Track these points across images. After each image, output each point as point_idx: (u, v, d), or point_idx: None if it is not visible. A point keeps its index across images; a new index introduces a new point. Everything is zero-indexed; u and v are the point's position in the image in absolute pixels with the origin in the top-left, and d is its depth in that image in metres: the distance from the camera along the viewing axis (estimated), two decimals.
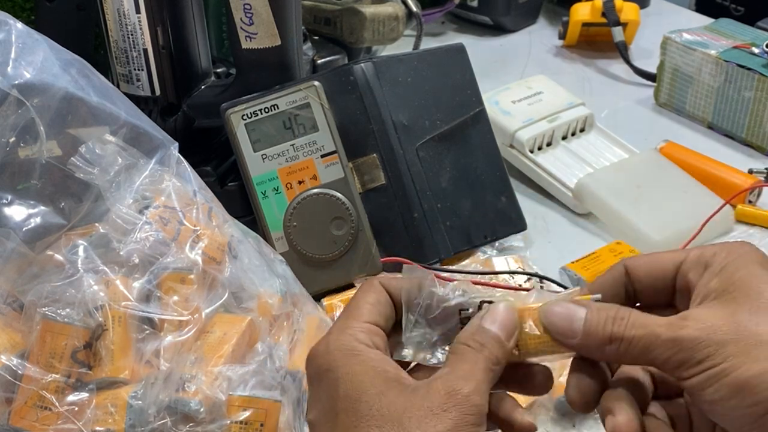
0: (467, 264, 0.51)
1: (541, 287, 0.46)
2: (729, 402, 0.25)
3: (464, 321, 0.28)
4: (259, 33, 0.47)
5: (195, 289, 0.36)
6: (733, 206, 0.57)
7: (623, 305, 0.28)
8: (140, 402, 0.33)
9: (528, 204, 0.58)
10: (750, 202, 0.58)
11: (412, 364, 0.29)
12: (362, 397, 0.26)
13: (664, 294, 0.29)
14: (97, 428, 0.33)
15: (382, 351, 0.28)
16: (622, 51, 0.75)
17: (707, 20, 0.77)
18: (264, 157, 0.48)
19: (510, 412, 0.28)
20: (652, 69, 0.72)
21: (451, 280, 0.30)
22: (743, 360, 0.25)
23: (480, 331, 0.27)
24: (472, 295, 0.27)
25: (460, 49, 0.54)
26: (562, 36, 0.79)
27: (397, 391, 0.26)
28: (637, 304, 0.29)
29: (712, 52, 0.65)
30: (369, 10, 0.63)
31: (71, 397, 0.34)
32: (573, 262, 0.51)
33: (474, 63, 0.54)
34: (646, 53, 0.77)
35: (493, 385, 0.27)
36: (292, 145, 0.48)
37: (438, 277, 0.35)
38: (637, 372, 0.29)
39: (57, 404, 0.33)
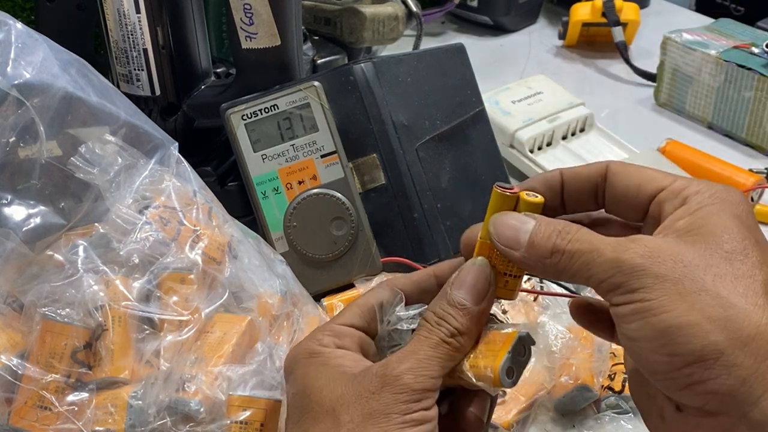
0: None
1: (541, 287, 0.46)
2: (648, 344, 0.23)
3: None
4: (259, 33, 0.47)
5: (195, 289, 0.36)
6: None
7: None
8: (140, 402, 0.33)
9: None
10: (752, 200, 0.58)
11: None
12: (306, 391, 0.27)
13: (635, 211, 0.27)
14: (97, 428, 0.33)
15: (351, 350, 0.28)
16: (622, 51, 0.75)
17: (707, 20, 0.77)
18: (264, 157, 0.48)
19: (464, 406, 0.28)
20: (652, 69, 0.72)
21: None
22: (677, 304, 0.22)
23: (442, 302, 0.27)
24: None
25: (460, 49, 0.54)
26: (562, 36, 0.79)
27: (339, 382, 0.27)
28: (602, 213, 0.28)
29: (712, 52, 0.65)
30: (369, 10, 0.63)
31: (71, 397, 0.34)
32: None
33: (474, 63, 0.54)
34: (646, 53, 0.77)
35: (461, 353, 0.27)
36: (292, 145, 0.48)
37: None
38: None
39: (57, 404, 0.33)
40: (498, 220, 0.27)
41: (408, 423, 0.25)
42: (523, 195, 0.27)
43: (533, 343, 0.27)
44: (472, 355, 0.27)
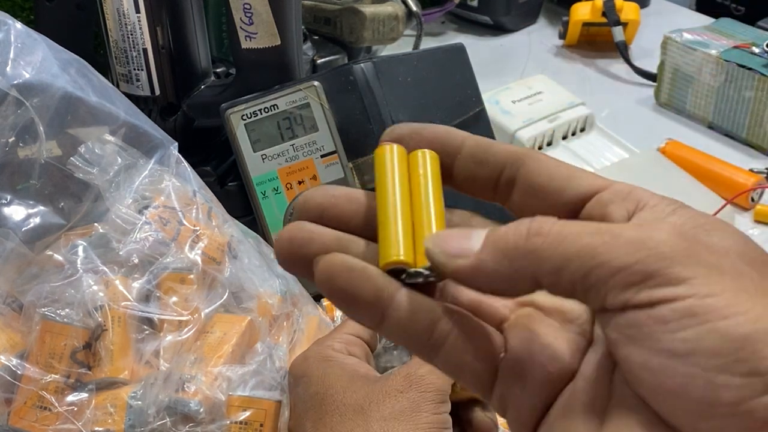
0: None
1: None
2: (711, 360, 0.15)
3: None
4: (258, 33, 0.47)
5: (195, 290, 0.36)
6: (741, 206, 0.57)
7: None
8: (140, 402, 0.33)
9: None
10: (753, 200, 0.58)
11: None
12: (328, 392, 0.28)
13: (555, 209, 0.19)
14: (97, 428, 0.33)
15: (359, 358, 0.29)
16: (622, 51, 0.75)
17: (708, 20, 0.77)
18: (264, 157, 0.48)
19: (471, 413, 0.28)
20: (653, 69, 0.72)
21: None
22: (751, 303, 0.15)
23: None
24: None
25: (461, 49, 0.54)
26: (563, 36, 0.79)
27: (361, 383, 0.28)
28: None
29: (713, 51, 0.65)
30: (369, 9, 0.63)
31: (71, 398, 0.34)
32: None
33: (474, 63, 0.54)
34: (647, 53, 0.77)
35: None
36: (292, 145, 0.48)
37: None
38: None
39: (56, 404, 0.33)
40: (439, 234, 0.19)
41: (434, 424, 0.26)
42: (419, 152, 0.21)
43: None
44: None
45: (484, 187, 0.20)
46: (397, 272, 0.18)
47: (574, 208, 0.19)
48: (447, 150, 0.20)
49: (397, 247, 0.18)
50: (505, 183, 0.20)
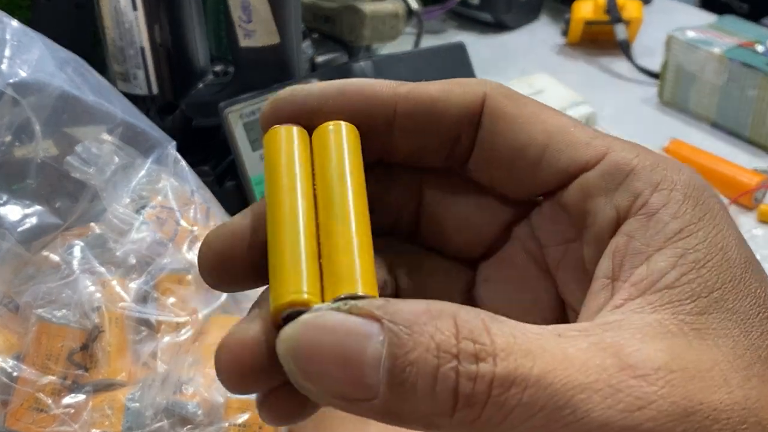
0: None
1: None
2: None
3: None
4: (257, 31, 0.47)
5: (193, 290, 0.36)
6: (745, 206, 0.56)
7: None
8: (137, 404, 0.33)
9: None
10: (756, 200, 0.58)
11: None
12: None
13: (524, 186, 0.15)
14: (94, 431, 0.33)
15: None
16: (624, 49, 0.75)
17: (711, 17, 0.77)
18: (262, 156, 0.48)
19: None
20: (656, 67, 0.71)
21: None
22: None
23: None
24: None
25: (461, 48, 0.53)
26: (564, 33, 0.79)
27: None
28: None
29: (716, 50, 0.64)
30: (369, 7, 0.63)
31: (68, 400, 0.33)
32: None
33: (475, 61, 0.54)
34: (650, 51, 0.77)
35: None
36: None
37: None
38: None
39: (53, 406, 0.33)
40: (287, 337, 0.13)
41: None
42: (324, 127, 0.14)
43: None
44: None
45: (430, 159, 0.16)
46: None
47: (551, 189, 0.15)
48: (372, 120, 0.15)
49: (297, 281, 0.13)
50: (461, 150, 0.15)
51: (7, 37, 0.36)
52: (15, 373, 0.33)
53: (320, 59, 0.60)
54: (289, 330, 0.12)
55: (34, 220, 0.35)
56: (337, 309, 0.12)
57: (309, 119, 0.15)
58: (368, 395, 0.12)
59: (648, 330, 0.13)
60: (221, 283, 0.16)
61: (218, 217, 0.39)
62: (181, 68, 0.51)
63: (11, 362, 0.33)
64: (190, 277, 0.36)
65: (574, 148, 0.15)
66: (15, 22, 0.37)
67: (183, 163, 0.39)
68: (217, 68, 0.56)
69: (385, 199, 0.16)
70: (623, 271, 0.14)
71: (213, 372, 0.34)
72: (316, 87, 0.15)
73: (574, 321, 0.15)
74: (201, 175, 0.41)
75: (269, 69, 0.48)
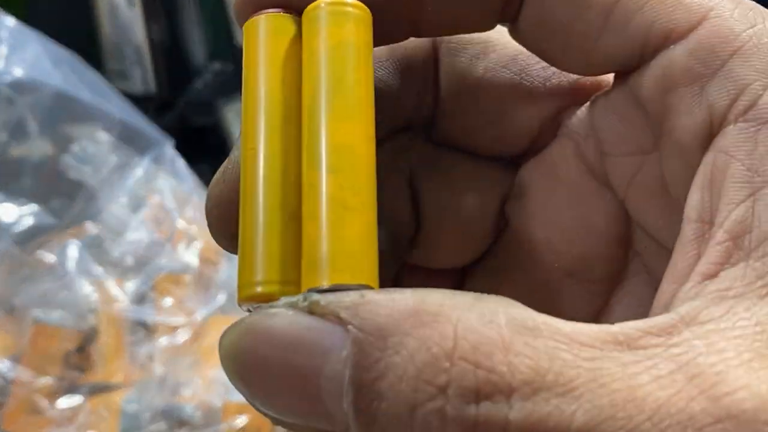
0: None
1: None
2: None
3: None
4: None
5: (191, 291, 0.35)
6: None
7: None
8: (134, 406, 0.33)
9: None
10: None
11: None
12: None
13: (586, 59, 0.11)
14: None
15: None
16: None
17: None
18: None
19: None
20: None
21: None
22: None
23: None
24: None
25: None
26: None
27: None
28: None
29: None
30: None
31: (64, 401, 0.33)
32: None
33: None
34: None
35: None
36: None
37: None
38: None
39: (49, 408, 0.33)
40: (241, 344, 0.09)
41: None
42: (315, 6, 0.10)
43: None
44: None
45: (469, 23, 0.11)
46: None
47: (619, 67, 0.10)
48: None
49: (257, 267, 0.09)
50: (511, 6, 0.11)
51: (3, 35, 0.36)
52: (11, 375, 0.33)
53: None
54: (228, 335, 0.09)
55: (30, 220, 0.35)
56: (294, 306, 0.09)
57: None
58: (336, 428, 0.08)
59: (759, 345, 0.08)
60: (233, 239, 0.11)
61: None
62: (179, 66, 0.51)
63: (7, 364, 0.33)
64: (187, 277, 0.35)
65: (653, 8, 0.10)
66: (11, 20, 0.36)
67: (180, 161, 0.39)
68: (215, 66, 0.55)
69: (395, 88, 0.12)
70: (720, 211, 0.09)
71: (211, 374, 0.33)
72: None
73: (652, 254, 0.11)
74: (199, 173, 0.41)
75: None
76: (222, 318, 0.36)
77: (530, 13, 0.11)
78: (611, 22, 0.10)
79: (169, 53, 0.50)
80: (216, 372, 0.34)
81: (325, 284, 0.09)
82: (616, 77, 0.11)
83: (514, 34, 0.11)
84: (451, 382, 0.08)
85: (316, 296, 0.09)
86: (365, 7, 0.10)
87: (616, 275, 0.12)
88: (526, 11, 0.11)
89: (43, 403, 0.33)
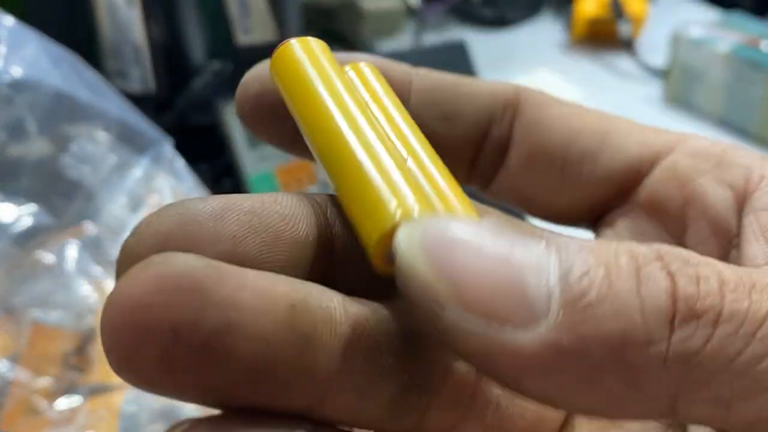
0: None
1: None
2: None
3: None
4: (255, 27, 0.46)
5: None
6: None
7: None
8: (134, 407, 0.33)
9: None
10: None
11: None
12: None
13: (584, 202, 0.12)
14: None
15: None
16: (629, 46, 0.74)
17: (716, 12, 0.76)
18: (261, 155, 0.47)
19: None
20: (661, 64, 0.71)
21: None
22: None
23: None
24: None
25: (461, 47, 0.53)
26: (568, 30, 0.78)
27: None
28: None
29: (722, 47, 0.64)
30: (368, 4, 0.62)
31: (63, 402, 0.33)
32: None
33: (477, 58, 0.53)
34: (655, 48, 0.76)
35: None
36: None
37: None
38: None
39: (48, 409, 0.33)
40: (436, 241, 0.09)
41: None
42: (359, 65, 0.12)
43: None
44: None
45: (451, 158, 0.11)
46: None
47: (620, 186, 0.11)
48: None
49: (401, 198, 0.09)
50: (491, 149, 0.11)
51: (2, 34, 0.35)
52: (9, 376, 0.33)
53: None
54: (414, 232, 0.09)
55: (28, 220, 0.35)
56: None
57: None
58: (532, 315, 0.07)
59: None
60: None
61: None
62: (178, 65, 0.51)
63: (5, 364, 0.33)
64: None
65: (640, 134, 0.12)
66: (9, 19, 0.36)
67: (180, 161, 0.39)
68: (215, 65, 0.55)
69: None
70: None
71: None
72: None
73: None
74: (198, 173, 0.40)
75: None
76: None
77: (519, 154, 0.13)
78: (607, 148, 0.13)
79: (169, 53, 0.50)
80: None
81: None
82: (613, 200, 0.13)
83: (492, 188, 0.13)
84: (664, 254, 0.08)
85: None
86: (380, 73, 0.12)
87: None
88: (514, 153, 0.12)
89: (42, 403, 0.33)
